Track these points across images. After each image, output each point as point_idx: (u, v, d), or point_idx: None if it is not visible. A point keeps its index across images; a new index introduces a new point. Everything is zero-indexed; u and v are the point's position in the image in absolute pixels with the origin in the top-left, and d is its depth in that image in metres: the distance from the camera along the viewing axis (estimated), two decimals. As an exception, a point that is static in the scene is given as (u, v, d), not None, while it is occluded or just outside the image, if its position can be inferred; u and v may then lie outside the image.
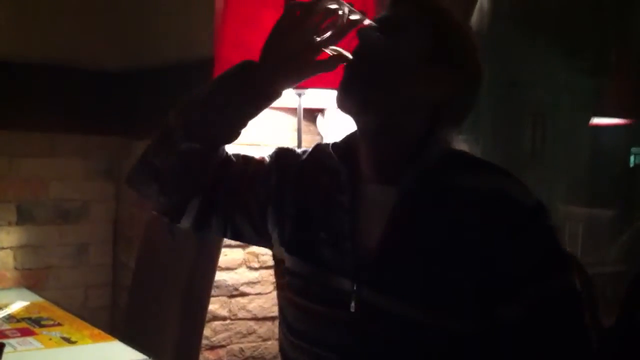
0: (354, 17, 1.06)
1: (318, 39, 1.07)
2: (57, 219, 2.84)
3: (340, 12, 1.06)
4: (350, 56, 1.09)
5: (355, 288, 1.06)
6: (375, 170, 1.11)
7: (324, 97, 2.13)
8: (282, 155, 1.26)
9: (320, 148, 1.24)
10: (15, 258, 2.75)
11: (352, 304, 1.06)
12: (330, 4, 1.06)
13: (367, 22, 1.08)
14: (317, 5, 1.07)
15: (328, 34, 1.07)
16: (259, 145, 2.32)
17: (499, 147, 2.51)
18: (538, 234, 1.01)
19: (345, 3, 1.05)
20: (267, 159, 1.26)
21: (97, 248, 2.97)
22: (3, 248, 2.70)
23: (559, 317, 1.00)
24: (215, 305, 2.27)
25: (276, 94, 1.15)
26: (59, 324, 1.75)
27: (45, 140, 2.80)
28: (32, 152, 2.78)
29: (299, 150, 1.28)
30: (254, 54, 1.90)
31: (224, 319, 2.31)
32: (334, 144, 1.19)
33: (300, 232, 1.17)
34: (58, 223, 2.85)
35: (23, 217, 2.76)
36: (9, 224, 2.70)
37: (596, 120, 2.89)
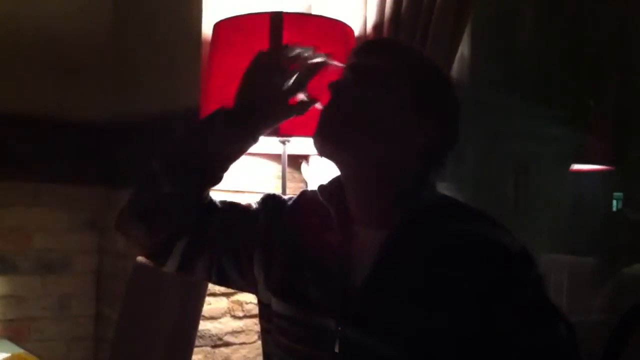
0: (318, 60, 1.10)
1: (287, 84, 1.11)
2: (39, 270, 2.82)
3: (305, 56, 1.10)
4: (319, 103, 1.12)
5: (339, 328, 1.07)
6: (363, 213, 1.13)
7: (309, 145, 2.15)
8: (270, 200, 1.29)
9: (306, 193, 1.27)
10: (-4, 309, 2.72)
11: (337, 344, 1.07)
12: (295, 51, 1.09)
13: (333, 63, 1.11)
14: (283, 52, 1.11)
15: (295, 78, 1.11)
16: (244, 192, 2.33)
17: (482, 195, 2.53)
18: (525, 284, 1.02)
19: (309, 48, 1.09)
20: (254, 205, 1.28)
21: (79, 300, 2.94)
22: (-16, 300, 2.67)
23: None
24: (198, 356, 2.25)
25: (252, 139, 1.19)
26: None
27: (28, 190, 2.80)
28: (16, 202, 2.77)
29: (285, 197, 1.30)
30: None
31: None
32: (321, 187, 1.21)
33: (288, 274, 1.18)
34: (41, 274, 2.83)
35: (5, 267, 2.74)
36: (-9, 274, 2.67)
37: (577, 167, 2.93)
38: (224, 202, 1.29)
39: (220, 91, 1.99)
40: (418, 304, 1.03)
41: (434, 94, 1.11)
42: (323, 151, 1.12)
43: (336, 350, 1.07)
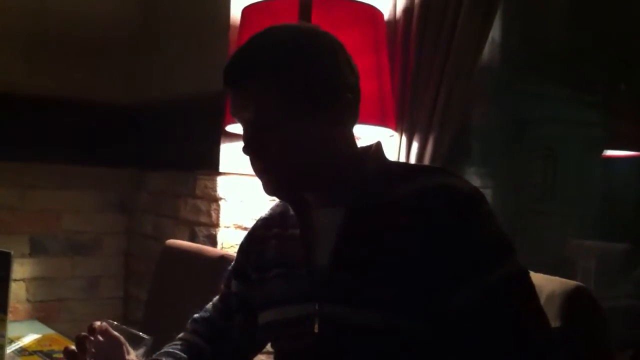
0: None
1: None
2: (69, 252, 2.86)
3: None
4: None
5: (315, 309, 1.10)
6: (318, 197, 1.17)
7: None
8: (230, 270, 1.39)
9: (261, 218, 1.35)
10: (27, 290, 2.76)
11: (315, 325, 1.10)
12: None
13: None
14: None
15: None
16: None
17: (512, 183, 2.51)
18: (479, 220, 1.03)
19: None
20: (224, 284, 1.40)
21: (108, 281, 2.97)
22: (16, 280, 2.71)
23: (509, 300, 1.00)
24: None
25: None
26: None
27: (58, 172, 2.82)
28: (45, 185, 2.80)
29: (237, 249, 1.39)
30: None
31: None
32: (273, 207, 1.34)
33: (262, 286, 1.25)
34: (70, 256, 2.86)
35: (36, 250, 2.78)
36: (22, 256, 2.71)
37: (609, 153, 2.90)
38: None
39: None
40: (384, 267, 1.04)
41: (309, 78, 1.11)
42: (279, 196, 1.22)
43: (316, 330, 1.10)
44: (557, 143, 2.91)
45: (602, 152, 2.85)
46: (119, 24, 2.92)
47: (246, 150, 1.14)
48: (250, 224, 2.33)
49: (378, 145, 1.19)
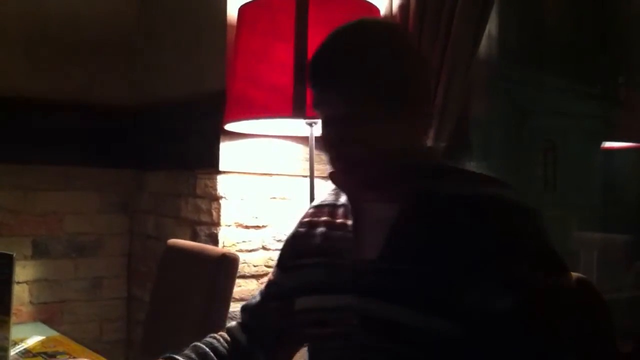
0: None
1: None
2: (71, 253, 2.86)
3: None
4: None
5: (357, 300, 1.11)
6: (375, 191, 1.18)
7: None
8: (281, 257, 1.39)
9: (312, 205, 1.36)
10: (30, 292, 2.76)
11: (356, 318, 1.11)
12: None
13: None
14: None
15: None
16: (272, 174, 2.34)
17: (512, 174, 2.51)
18: (532, 234, 1.03)
19: None
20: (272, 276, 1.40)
21: (111, 282, 2.98)
22: (19, 282, 2.71)
23: (549, 313, 1.01)
24: None
25: None
26: (75, 358, 1.75)
27: (60, 174, 2.83)
28: (47, 187, 2.80)
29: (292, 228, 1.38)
30: (265, 87, 1.93)
31: None
32: (324, 197, 1.34)
33: (299, 270, 1.27)
34: (73, 257, 2.86)
35: (38, 252, 2.78)
36: (25, 258, 2.71)
37: (608, 144, 2.90)
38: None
39: (247, 72, 1.99)
40: (431, 266, 1.05)
41: (400, 76, 1.13)
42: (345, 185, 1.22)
43: (355, 323, 1.10)
44: (557, 135, 2.91)
45: (601, 143, 2.85)
46: (117, 25, 2.93)
47: (329, 143, 1.15)
48: (251, 222, 2.35)
49: (438, 148, 1.21)
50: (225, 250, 2.07)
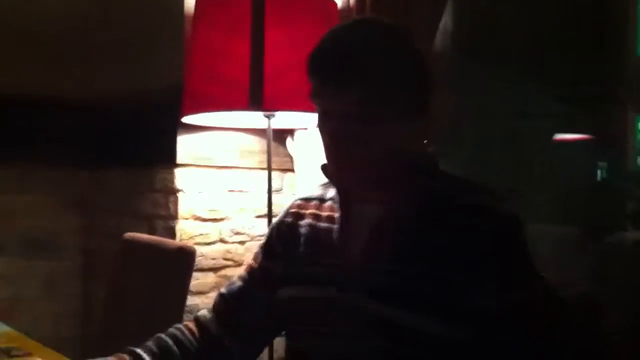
0: None
1: None
2: (27, 251, 2.82)
3: None
4: None
5: (340, 294, 1.14)
6: (365, 190, 1.18)
7: (293, 119, 2.15)
8: (265, 246, 1.37)
9: (299, 197, 1.36)
10: (-16, 289, 2.72)
11: (341, 312, 1.13)
12: None
13: None
14: None
15: None
16: (229, 167, 2.34)
17: (475, 171, 2.53)
18: (515, 245, 1.08)
19: None
20: (255, 263, 1.37)
21: (67, 279, 2.94)
22: (-29, 280, 2.67)
23: (534, 321, 1.06)
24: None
25: None
26: (30, 354, 1.73)
27: (15, 173, 2.78)
28: (2, 185, 2.76)
29: (273, 222, 1.39)
30: (222, 80, 1.93)
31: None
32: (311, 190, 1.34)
33: (287, 260, 1.27)
34: (28, 254, 2.82)
35: (-7, 249, 2.74)
36: (-22, 255, 2.67)
37: (561, 136, 2.94)
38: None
39: (203, 66, 1.99)
40: (415, 267, 1.08)
41: (402, 81, 1.13)
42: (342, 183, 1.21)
43: (341, 318, 1.12)
44: (515, 133, 2.94)
45: (553, 136, 2.90)
46: (71, 18, 2.89)
47: (331, 137, 1.13)
48: (208, 215, 2.35)
49: (432, 153, 1.22)
50: (182, 243, 2.07)
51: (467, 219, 1.08)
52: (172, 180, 2.31)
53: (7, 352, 1.74)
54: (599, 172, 2.92)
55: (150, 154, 2.44)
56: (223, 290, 1.39)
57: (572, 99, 2.82)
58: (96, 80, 2.87)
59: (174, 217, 2.29)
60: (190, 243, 2.20)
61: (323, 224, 1.24)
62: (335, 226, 1.21)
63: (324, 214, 1.25)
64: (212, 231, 2.34)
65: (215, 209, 2.35)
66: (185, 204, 2.30)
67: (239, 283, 1.37)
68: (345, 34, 1.15)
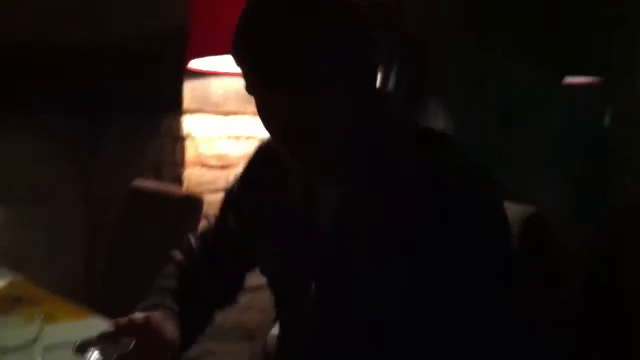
0: None
1: None
2: (29, 200, 2.82)
3: None
4: None
5: (311, 278, 1.10)
6: (321, 165, 1.08)
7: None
8: (226, 189, 1.35)
9: (263, 147, 1.28)
10: (-11, 238, 2.72)
11: (311, 294, 1.10)
12: None
13: None
14: None
15: None
16: (237, 114, 2.31)
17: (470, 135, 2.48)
18: (481, 202, 1.03)
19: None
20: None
21: (71, 229, 2.94)
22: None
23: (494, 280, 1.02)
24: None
25: None
26: (39, 302, 1.74)
27: (14, 120, 2.76)
28: (4, 130, 2.73)
29: (240, 172, 1.33)
30: (230, 22, 1.88)
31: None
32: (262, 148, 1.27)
33: (259, 233, 1.22)
34: (31, 204, 2.82)
35: (-3, 197, 2.74)
36: (-18, 203, 2.66)
37: (570, 80, 2.89)
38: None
39: (211, 7, 1.94)
40: (381, 244, 1.04)
41: (344, 42, 0.99)
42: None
43: (311, 298, 1.10)
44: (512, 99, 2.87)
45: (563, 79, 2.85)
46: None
47: (281, 124, 1.02)
48: (215, 162, 2.33)
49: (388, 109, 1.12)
50: (190, 191, 2.06)
51: (427, 180, 1.02)
52: (178, 127, 2.29)
53: (16, 299, 1.75)
54: (606, 117, 2.88)
55: (156, 99, 2.41)
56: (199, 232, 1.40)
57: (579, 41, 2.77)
58: (101, 23, 2.82)
59: (181, 164, 2.28)
60: (197, 191, 2.19)
61: (289, 197, 1.16)
62: (297, 199, 1.15)
63: (289, 186, 1.17)
64: (219, 178, 2.32)
65: (222, 156, 2.33)
66: (192, 152, 2.28)
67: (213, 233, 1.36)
68: (262, 11, 1.02)
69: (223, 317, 2.30)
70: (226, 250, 1.32)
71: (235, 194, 1.31)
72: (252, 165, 1.29)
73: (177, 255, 1.37)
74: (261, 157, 1.27)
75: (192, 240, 1.38)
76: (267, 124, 1.04)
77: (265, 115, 1.03)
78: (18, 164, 2.78)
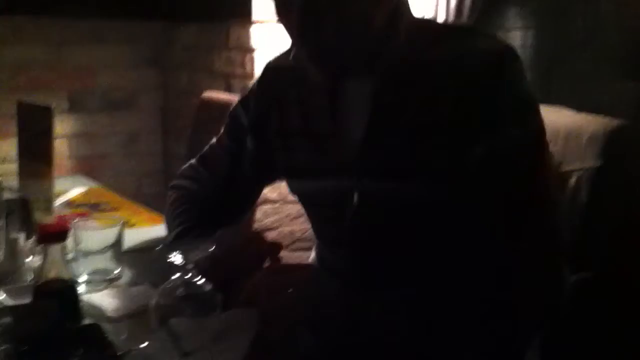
0: None
1: None
2: (107, 108, 2.88)
3: None
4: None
5: (354, 182, 1.08)
6: (344, 65, 1.06)
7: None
8: (234, 114, 1.30)
9: (272, 67, 1.25)
10: (69, 146, 2.81)
11: (354, 197, 1.08)
12: None
13: None
14: None
15: None
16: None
17: (551, 24, 2.39)
18: (508, 80, 1.00)
19: None
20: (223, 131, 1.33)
21: (147, 137, 3.01)
22: (57, 137, 2.75)
23: (517, 158, 0.99)
24: (265, 189, 2.30)
25: None
26: (116, 209, 1.79)
27: (91, 27, 2.80)
28: (78, 40, 2.78)
29: (248, 90, 1.29)
30: None
31: (274, 202, 2.33)
32: (283, 55, 1.22)
33: (286, 151, 1.19)
34: (108, 112, 2.89)
35: (74, 106, 2.80)
36: (61, 112, 2.73)
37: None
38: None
39: None
40: (418, 134, 1.02)
41: None
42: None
43: (355, 203, 1.08)
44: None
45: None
46: None
47: (303, 21, 1.01)
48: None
49: (405, 5, 1.09)
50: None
51: (459, 64, 1.00)
52: (248, 38, 2.28)
53: (95, 206, 1.81)
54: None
55: (226, 8, 2.39)
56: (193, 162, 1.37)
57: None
58: None
59: (251, 76, 2.28)
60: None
61: (314, 109, 1.14)
62: (328, 112, 1.11)
63: (312, 97, 1.14)
64: (289, 90, 2.32)
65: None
66: (262, 63, 2.27)
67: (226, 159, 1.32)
68: None
69: (298, 228, 2.37)
70: (238, 172, 1.29)
71: (250, 117, 1.27)
72: (265, 86, 1.25)
73: (181, 181, 1.36)
74: (274, 77, 1.23)
75: (195, 163, 1.36)
76: (285, 19, 1.05)
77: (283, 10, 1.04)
78: (94, 72, 2.84)
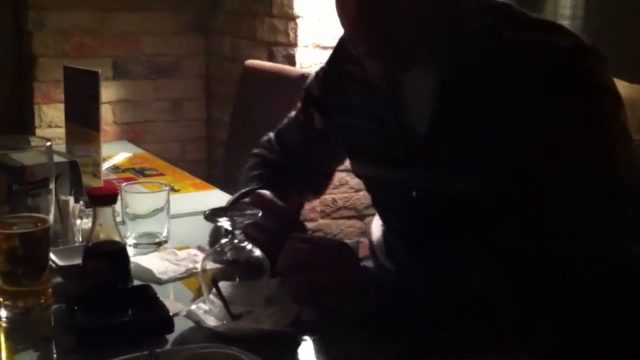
0: None
1: None
2: (151, 74, 2.90)
3: None
4: None
5: (414, 174, 1.07)
6: (409, 55, 1.02)
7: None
8: (308, 87, 1.29)
9: (345, 38, 1.19)
10: (114, 112, 2.85)
11: (414, 190, 1.08)
12: None
13: None
14: None
15: None
16: None
17: None
18: (569, 73, 0.96)
19: None
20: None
21: (191, 103, 3.03)
22: (102, 103, 2.79)
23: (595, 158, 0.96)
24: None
25: None
26: (162, 174, 1.82)
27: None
28: (123, 7, 2.80)
29: (320, 67, 1.28)
30: None
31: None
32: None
33: (348, 131, 1.18)
34: (152, 78, 2.91)
35: (119, 72, 2.83)
36: (106, 79, 2.76)
37: None
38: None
39: None
40: (483, 132, 0.99)
41: None
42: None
43: (414, 195, 1.08)
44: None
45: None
46: None
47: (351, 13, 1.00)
48: (328, 42, 2.30)
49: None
50: (303, 70, 2.06)
51: (526, 60, 0.95)
52: (291, 6, 2.27)
53: (141, 171, 1.84)
54: None
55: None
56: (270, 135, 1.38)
57: None
58: None
59: (294, 44, 2.27)
60: (310, 71, 2.19)
61: (374, 93, 1.11)
62: (392, 102, 1.08)
63: (373, 81, 1.09)
64: (332, 58, 2.31)
65: (335, 37, 2.31)
66: (305, 31, 2.27)
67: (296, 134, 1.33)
68: None
69: (340, 196, 2.37)
70: (308, 148, 1.30)
71: (320, 92, 1.26)
72: (335, 62, 1.23)
73: (261, 150, 1.36)
74: (344, 53, 1.17)
75: (273, 137, 1.36)
76: (341, 19, 1.02)
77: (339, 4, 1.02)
78: (139, 39, 2.86)
